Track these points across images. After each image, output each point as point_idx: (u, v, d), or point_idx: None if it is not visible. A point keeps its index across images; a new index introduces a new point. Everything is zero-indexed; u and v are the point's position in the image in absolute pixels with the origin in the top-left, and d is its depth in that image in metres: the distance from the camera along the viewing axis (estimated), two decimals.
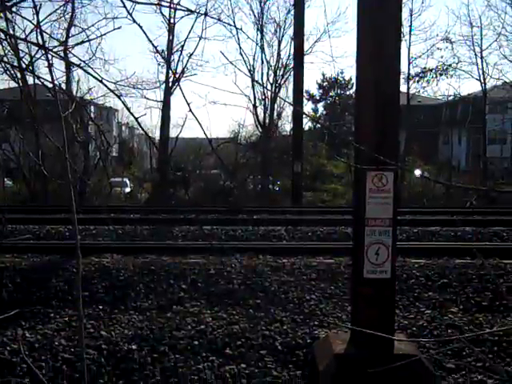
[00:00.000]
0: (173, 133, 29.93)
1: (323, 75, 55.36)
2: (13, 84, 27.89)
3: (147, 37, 3.37)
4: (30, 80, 25.80)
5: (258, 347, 6.52)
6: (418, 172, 25.81)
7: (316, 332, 6.79)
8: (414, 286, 8.01)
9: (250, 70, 30.96)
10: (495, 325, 6.96)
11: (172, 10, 24.47)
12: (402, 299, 7.60)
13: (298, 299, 7.65)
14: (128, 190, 30.65)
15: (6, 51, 22.25)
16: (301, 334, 6.73)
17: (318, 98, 56.46)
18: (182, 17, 28.50)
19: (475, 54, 32.74)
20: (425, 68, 35.07)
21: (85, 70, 3.31)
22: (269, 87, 31.28)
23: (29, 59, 13.13)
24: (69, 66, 22.73)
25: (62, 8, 21.50)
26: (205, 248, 9.79)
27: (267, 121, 31.82)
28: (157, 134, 30.82)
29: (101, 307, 7.51)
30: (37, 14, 3.08)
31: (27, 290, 7.93)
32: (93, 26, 23.36)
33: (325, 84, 55.89)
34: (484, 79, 32.67)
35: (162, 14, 27.74)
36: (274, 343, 6.58)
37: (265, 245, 10.47)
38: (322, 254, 9.45)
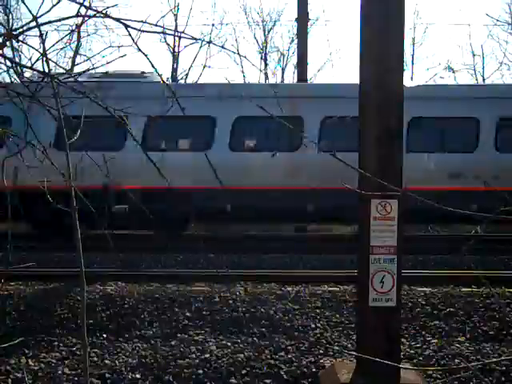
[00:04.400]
0: None
1: None
2: None
3: (152, 65, 3.39)
4: None
5: (263, 376, 6.45)
6: None
7: (321, 361, 6.73)
8: (420, 314, 7.95)
9: None
10: (503, 354, 6.88)
11: (177, 39, 24.68)
12: (407, 328, 7.53)
13: (303, 327, 7.60)
14: None
15: (13, 79, 22.52)
16: (306, 363, 6.67)
17: None
18: (187, 45, 28.81)
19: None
20: None
21: (90, 98, 3.32)
22: None
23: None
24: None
25: (67, 37, 21.72)
26: (210, 276, 9.75)
27: None
28: None
29: (105, 335, 7.46)
30: (43, 42, 3.11)
31: (31, 318, 7.88)
32: (98, 54, 23.58)
33: None
34: None
35: (167, 43, 28.07)
36: (279, 372, 6.51)
37: (270, 272, 10.46)
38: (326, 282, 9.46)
